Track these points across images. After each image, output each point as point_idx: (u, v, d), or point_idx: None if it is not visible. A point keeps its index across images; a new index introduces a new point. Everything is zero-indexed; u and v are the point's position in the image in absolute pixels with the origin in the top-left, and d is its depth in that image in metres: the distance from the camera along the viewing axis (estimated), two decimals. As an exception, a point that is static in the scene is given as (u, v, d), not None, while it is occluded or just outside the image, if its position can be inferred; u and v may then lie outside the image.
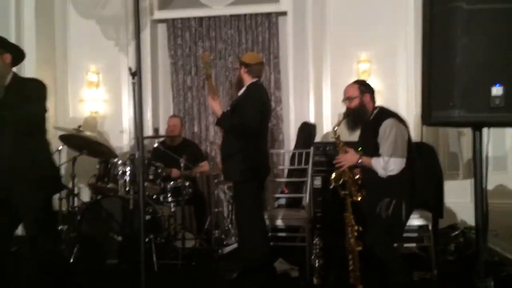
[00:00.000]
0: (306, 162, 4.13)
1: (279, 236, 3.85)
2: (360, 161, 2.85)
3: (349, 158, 2.89)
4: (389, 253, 2.73)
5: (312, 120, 5.09)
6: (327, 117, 5.09)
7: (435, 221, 3.60)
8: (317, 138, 4.88)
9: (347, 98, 2.99)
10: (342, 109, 4.93)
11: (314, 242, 2.98)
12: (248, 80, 3.45)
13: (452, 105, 1.80)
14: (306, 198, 3.94)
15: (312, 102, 5.17)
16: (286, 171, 4.85)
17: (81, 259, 3.74)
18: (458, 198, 4.50)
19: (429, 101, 1.88)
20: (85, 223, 3.73)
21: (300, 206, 4.21)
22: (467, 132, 4.63)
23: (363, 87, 2.98)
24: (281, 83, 5.28)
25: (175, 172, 4.35)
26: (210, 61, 3.48)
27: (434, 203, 3.62)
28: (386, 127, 2.77)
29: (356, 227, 2.71)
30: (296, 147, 4.79)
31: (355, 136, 3.10)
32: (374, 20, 4.95)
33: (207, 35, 5.40)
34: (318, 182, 4.31)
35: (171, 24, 5.45)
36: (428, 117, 1.89)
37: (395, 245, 2.95)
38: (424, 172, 2.94)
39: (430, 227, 3.39)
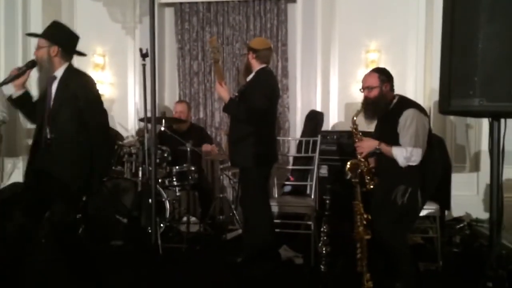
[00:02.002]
0: (313, 150, 4.11)
1: (283, 223, 3.85)
2: (379, 148, 2.81)
3: (368, 144, 2.86)
4: (398, 242, 2.72)
5: (318, 108, 5.06)
6: (334, 106, 5.05)
7: (442, 212, 3.59)
8: (324, 127, 4.86)
9: (366, 87, 2.93)
10: (349, 98, 4.93)
11: (322, 229, 2.97)
12: (256, 66, 3.42)
13: (472, 94, 1.78)
14: (312, 186, 3.93)
15: (319, 91, 5.13)
16: (291, 159, 4.84)
17: (86, 240, 3.75)
18: (464, 191, 4.48)
19: (448, 89, 1.85)
20: (91, 204, 3.73)
21: (305, 194, 4.21)
22: (475, 124, 4.61)
23: (383, 76, 2.91)
24: (288, 70, 5.24)
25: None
26: (218, 45, 3.44)
27: (441, 195, 3.60)
28: (407, 117, 2.74)
29: (365, 216, 2.69)
30: (303, 135, 4.76)
31: (372, 128, 3.07)
32: (384, 8, 4.89)
33: (215, 20, 5.35)
34: (324, 170, 4.30)
35: (179, 8, 5.39)
36: (446, 105, 1.87)
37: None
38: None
39: (437, 219, 3.38)
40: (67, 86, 2.69)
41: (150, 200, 3.27)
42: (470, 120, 4.60)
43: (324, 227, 2.96)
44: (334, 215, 3.04)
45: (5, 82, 2.74)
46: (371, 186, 2.79)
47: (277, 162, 3.68)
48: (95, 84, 2.80)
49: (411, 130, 2.71)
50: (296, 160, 4.60)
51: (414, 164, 2.72)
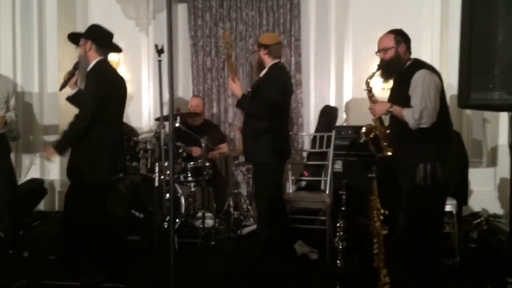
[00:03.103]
0: (327, 146, 4.09)
1: (298, 219, 3.85)
2: (391, 110, 2.78)
3: (380, 107, 2.83)
4: (432, 233, 2.70)
5: (332, 103, 5.03)
6: (348, 101, 5.02)
7: (459, 208, 3.55)
8: (338, 122, 4.83)
9: (381, 49, 2.89)
10: (364, 93, 4.90)
11: (338, 224, 2.96)
12: (269, 61, 3.41)
13: (492, 87, 1.75)
14: (327, 181, 3.92)
15: (333, 86, 5.11)
16: (305, 154, 4.82)
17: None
18: (481, 186, 4.43)
19: (467, 82, 1.82)
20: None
21: (319, 189, 4.20)
22: (492, 118, 4.54)
23: (399, 36, 2.86)
24: (301, 66, 5.21)
25: (196, 150, 4.34)
26: (231, 41, 3.45)
27: (458, 190, 3.56)
28: (419, 78, 2.68)
29: (382, 211, 2.67)
30: (317, 130, 4.75)
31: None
32: (398, 1, 4.83)
33: (228, 16, 5.34)
34: (338, 166, 4.29)
35: (192, 4, 5.39)
36: (465, 99, 1.84)
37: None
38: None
39: (454, 214, 3.34)
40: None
41: (167, 196, 3.37)
42: (487, 114, 4.53)
43: (340, 222, 2.94)
44: (350, 210, 3.02)
45: (62, 85, 3.16)
46: (389, 153, 2.73)
47: (290, 157, 3.67)
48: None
49: (421, 90, 2.65)
50: (311, 155, 4.59)
51: (425, 126, 2.66)
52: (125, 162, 3.33)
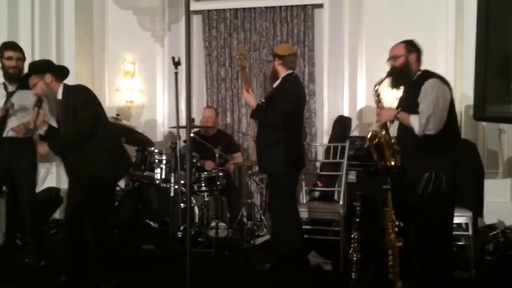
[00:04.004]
0: (341, 156, 4.09)
1: (312, 229, 3.84)
2: (398, 116, 2.79)
3: (387, 112, 2.85)
4: (441, 244, 2.68)
5: (346, 113, 5.03)
6: (362, 111, 5.02)
7: (474, 219, 3.51)
8: (352, 132, 4.83)
9: (392, 57, 2.92)
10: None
11: (352, 236, 2.95)
12: (283, 72, 3.44)
13: (508, 100, 1.74)
14: (341, 192, 3.90)
15: (346, 96, 5.11)
16: (319, 164, 4.82)
17: (118, 244, 3.82)
18: (497, 197, 4.37)
19: (483, 95, 1.81)
20: (122, 209, 3.81)
21: (333, 200, 4.19)
22: (508, 129, 4.49)
23: (410, 46, 2.90)
24: (315, 76, 5.23)
25: (208, 164, 4.38)
26: (245, 53, 3.49)
27: (474, 201, 3.53)
28: (428, 86, 2.70)
29: (396, 222, 2.66)
30: (331, 140, 4.75)
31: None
32: (412, 12, 4.84)
33: (242, 27, 5.40)
34: (352, 176, 4.28)
35: (207, 15, 5.46)
36: (481, 111, 1.83)
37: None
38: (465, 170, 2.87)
39: (469, 226, 3.31)
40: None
41: (181, 206, 3.40)
42: (503, 125, 4.49)
43: (355, 233, 2.93)
44: (364, 222, 3.01)
45: (33, 130, 3.20)
46: (392, 163, 2.73)
47: (304, 167, 3.67)
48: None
49: (430, 98, 2.67)
50: (324, 165, 4.59)
51: (430, 132, 2.67)
52: (128, 161, 3.36)
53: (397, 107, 2.93)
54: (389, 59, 2.94)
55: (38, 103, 3.03)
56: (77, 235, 3.06)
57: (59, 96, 3.01)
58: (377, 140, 2.74)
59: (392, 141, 2.83)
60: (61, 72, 3.12)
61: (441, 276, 2.70)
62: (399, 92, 3.07)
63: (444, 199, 2.73)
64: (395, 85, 2.93)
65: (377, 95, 2.93)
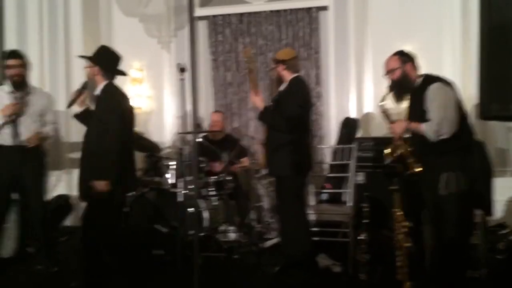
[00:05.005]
0: (349, 158, 4.08)
1: (320, 231, 3.84)
2: (409, 127, 2.79)
3: (399, 125, 2.84)
4: (461, 244, 2.69)
5: (353, 115, 5.03)
6: (369, 112, 5.01)
7: (484, 218, 3.49)
8: (359, 134, 4.82)
9: (388, 72, 2.93)
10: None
11: (361, 237, 2.95)
12: (288, 76, 3.46)
13: (512, 98, 1.75)
14: (349, 193, 3.90)
15: (353, 97, 5.11)
16: (327, 166, 4.82)
17: (128, 249, 3.85)
18: (507, 195, 4.34)
19: (488, 95, 1.82)
20: (132, 215, 3.84)
21: (341, 202, 4.18)
22: (517, 127, 4.46)
23: (403, 57, 2.90)
24: (321, 78, 5.24)
25: (217, 166, 4.40)
26: (252, 56, 3.52)
27: (483, 200, 3.50)
28: (433, 91, 2.70)
29: (405, 223, 2.65)
30: (338, 142, 4.75)
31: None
32: (417, 12, 4.83)
33: (247, 31, 5.43)
34: (360, 177, 4.27)
35: (212, 21, 5.50)
36: (486, 111, 1.84)
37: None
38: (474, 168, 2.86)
39: (480, 224, 3.29)
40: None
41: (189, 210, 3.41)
42: (512, 123, 4.46)
43: (363, 235, 2.93)
44: (373, 223, 3.01)
45: (70, 103, 3.17)
46: (418, 169, 2.70)
47: (312, 170, 3.68)
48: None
49: (437, 103, 2.66)
50: (332, 167, 4.59)
51: (445, 136, 2.66)
52: (135, 179, 3.35)
53: (406, 117, 2.93)
54: (386, 73, 2.95)
55: (85, 84, 3.19)
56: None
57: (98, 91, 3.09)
58: (396, 154, 2.75)
59: (411, 148, 2.83)
60: (112, 71, 3.15)
61: (455, 276, 2.68)
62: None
63: (463, 198, 2.73)
64: (398, 98, 2.94)
65: (384, 111, 2.93)
